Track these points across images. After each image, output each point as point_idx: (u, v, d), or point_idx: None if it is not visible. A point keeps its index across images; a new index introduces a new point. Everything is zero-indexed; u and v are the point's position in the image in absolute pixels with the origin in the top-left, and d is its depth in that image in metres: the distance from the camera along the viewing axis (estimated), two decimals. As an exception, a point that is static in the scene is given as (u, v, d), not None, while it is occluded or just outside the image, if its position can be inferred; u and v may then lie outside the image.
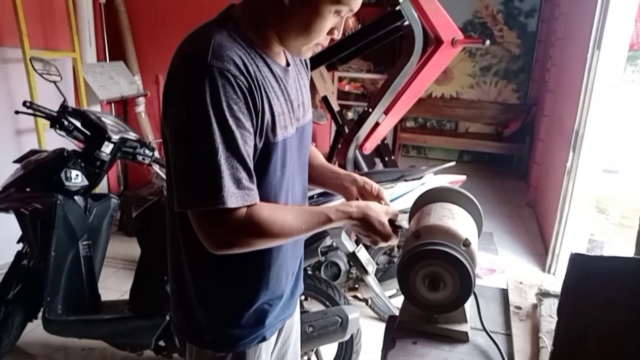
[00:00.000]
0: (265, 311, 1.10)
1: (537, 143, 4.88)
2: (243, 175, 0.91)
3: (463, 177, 2.63)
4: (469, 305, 1.11)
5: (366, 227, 1.04)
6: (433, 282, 1.03)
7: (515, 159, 5.90)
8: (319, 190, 2.18)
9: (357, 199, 1.19)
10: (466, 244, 1.05)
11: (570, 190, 3.19)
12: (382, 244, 1.07)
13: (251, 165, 0.94)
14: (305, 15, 0.93)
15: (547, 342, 1.04)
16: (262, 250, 1.03)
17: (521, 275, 1.43)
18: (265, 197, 0.99)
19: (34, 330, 2.43)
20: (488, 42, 2.69)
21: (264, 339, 1.12)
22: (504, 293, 1.32)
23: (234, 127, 0.89)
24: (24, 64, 3.04)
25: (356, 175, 1.21)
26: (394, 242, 1.09)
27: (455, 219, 1.12)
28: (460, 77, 5.86)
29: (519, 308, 1.22)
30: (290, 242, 1.11)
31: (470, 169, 5.39)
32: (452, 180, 2.56)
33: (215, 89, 0.87)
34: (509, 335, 1.12)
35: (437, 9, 2.59)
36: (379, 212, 1.05)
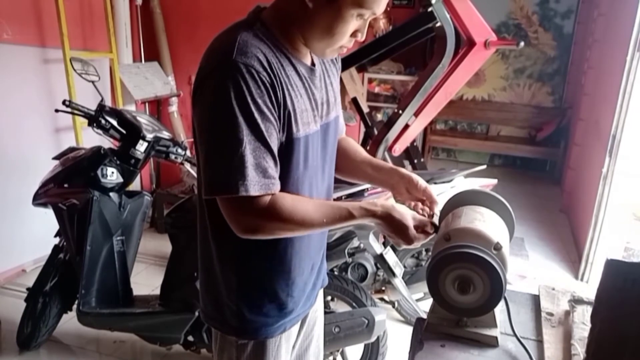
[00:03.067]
0: (286, 302, 1.14)
1: (572, 147, 4.76)
2: (269, 164, 0.96)
3: (494, 181, 2.59)
4: (499, 310, 1.10)
5: (389, 228, 1.05)
6: (463, 285, 1.02)
7: (548, 163, 5.77)
8: (354, 189, 2.19)
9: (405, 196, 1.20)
10: (497, 247, 1.03)
11: (606, 196, 3.10)
12: (405, 246, 1.07)
13: (276, 156, 0.98)
14: (328, 18, 0.95)
15: (579, 349, 1.02)
16: (284, 242, 1.08)
17: (553, 282, 1.39)
18: (287, 191, 1.03)
19: (69, 322, 2.51)
20: (522, 43, 2.65)
21: (284, 330, 1.16)
22: (536, 299, 1.29)
23: (258, 119, 0.93)
24: (63, 64, 3.15)
25: (403, 171, 1.20)
26: (417, 244, 1.08)
27: (487, 222, 1.10)
28: (492, 79, 5.76)
29: (551, 314, 1.19)
30: (312, 235, 1.15)
31: (501, 173, 5.28)
32: (483, 184, 2.52)
33: (239, 83, 0.91)
34: (539, 342, 1.10)
35: (469, 10, 2.56)
36: (404, 214, 1.05)
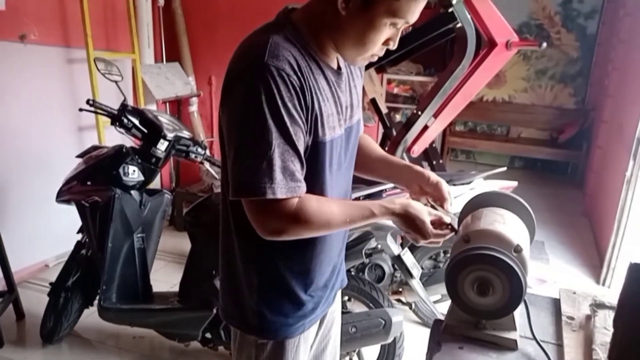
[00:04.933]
0: (306, 302, 1.14)
1: (595, 150, 4.68)
2: (296, 168, 0.96)
3: (514, 184, 2.56)
4: (519, 313, 1.09)
5: (407, 224, 1.06)
6: (482, 287, 1.02)
7: (570, 166, 5.67)
8: (373, 190, 2.19)
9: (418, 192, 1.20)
10: (517, 250, 1.03)
11: (629, 200, 3.04)
12: (423, 242, 1.08)
13: (303, 159, 0.98)
14: (361, 27, 0.95)
15: (601, 354, 1.00)
16: (306, 243, 1.08)
17: (574, 286, 1.37)
18: (312, 194, 1.02)
19: (89, 317, 2.56)
20: (545, 44, 2.61)
21: (303, 330, 1.16)
22: (556, 302, 1.28)
23: (288, 122, 0.93)
24: (87, 64, 3.21)
25: (417, 168, 1.21)
26: (437, 241, 1.08)
27: (507, 225, 1.09)
28: (513, 80, 5.69)
29: (572, 318, 1.18)
30: (334, 237, 1.15)
31: (521, 176, 5.23)
32: (503, 186, 2.49)
33: (270, 86, 0.91)
34: (560, 346, 1.09)
35: (491, 10, 2.54)
36: (421, 210, 1.06)
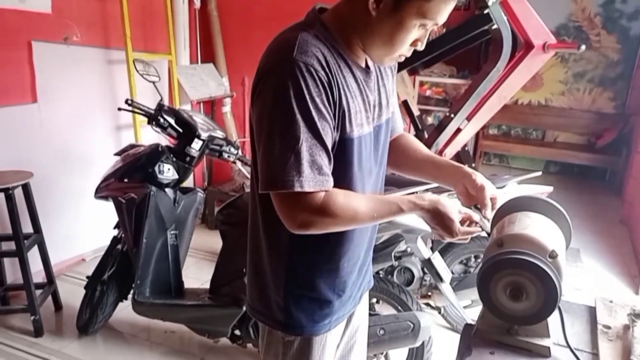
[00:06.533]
0: (333, 300, 1.15)
1: (635, 156, 4.52)
2: (324, 162, 0.97)
3: (549, 189, 2.50)
4: (552, 320, 1.06)
5: (434, 220, 1.06)
6: (515, 292, 1.00)
7: (608, 172, 5.49)
8: (403, 192, 2.17)
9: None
10: (552, 255, 1.00)
11: (672, 208, 2.93)
12: (448, 239, 1.08)
13: (331, 154, 0.99)
14: (391, 27, 0.96)
15: (639, 366, 0.97)
16: (334, 240, 1.09)
17: (611, 295, 1.33)
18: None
19: (123, 310, 2.63)
20: (583, 47, 2.54)
21: (330, 329, 1.17)
22: (592, 311, 1.24)
23: (315, 117, 0.94)
24: (125, 65, 3.30)
25: (465, 169, 1.18)
26: (464, 238, 1.09)
27: (542, 230, 1.07)
28: (550, 83, 5.55)
29: (608, 327, 1.14)
30: (362, 235, 1.16)
31: (557, 181, 5.08)
32: (538, 191, 2.43)
33: (298, 81, 0.93)
34: (595, 355, 1.06)
35: (528, 12, 2.50)
36: (451, 207, 1.06)
